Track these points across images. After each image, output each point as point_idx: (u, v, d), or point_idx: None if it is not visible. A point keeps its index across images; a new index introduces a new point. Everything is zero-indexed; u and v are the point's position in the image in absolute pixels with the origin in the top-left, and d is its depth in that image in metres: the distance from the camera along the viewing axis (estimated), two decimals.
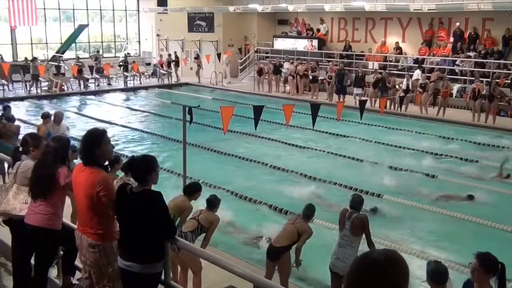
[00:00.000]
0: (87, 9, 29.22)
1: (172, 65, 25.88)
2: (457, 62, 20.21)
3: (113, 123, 16.54)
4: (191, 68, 27.16)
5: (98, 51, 27.70)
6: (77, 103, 21.36)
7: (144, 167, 4.04)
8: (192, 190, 6.25)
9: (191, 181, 6.62)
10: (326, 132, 15.10)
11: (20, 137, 7.65)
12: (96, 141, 4.23)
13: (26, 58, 23.77)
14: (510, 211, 9.49)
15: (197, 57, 26.13)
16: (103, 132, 4.35)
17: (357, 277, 1.83)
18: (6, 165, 6.92)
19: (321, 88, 21.40)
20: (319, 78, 21.19)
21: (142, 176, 4.01)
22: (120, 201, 4.05)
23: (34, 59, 22.54)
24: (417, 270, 7.03)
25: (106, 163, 4.60)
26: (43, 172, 4.58)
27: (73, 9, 28.91)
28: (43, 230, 4.66)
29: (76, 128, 15.95)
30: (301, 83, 22.04)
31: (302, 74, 21.71)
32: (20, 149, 5.34)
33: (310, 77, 21.40)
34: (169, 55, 26.45)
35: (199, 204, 6.47)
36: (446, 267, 4.34)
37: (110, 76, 25.32)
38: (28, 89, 22.07)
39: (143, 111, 19.44)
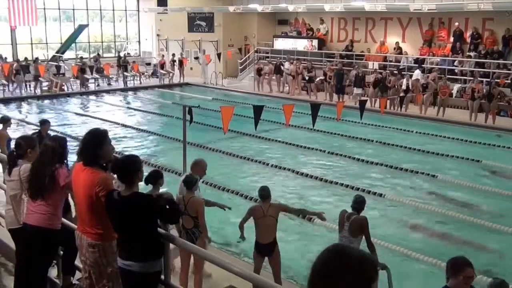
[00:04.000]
0: (87, 9, 29.25)
1: (175, 65, 25.88)
2: (456, 63, 20.23)
3: (113, 123, 16.53)
4: (191, 68, 27.18)
5: (98, 54, 27.66)
6: (77, 103, 21.37)
7: (130, 167, 4.02)
8: (153, 179, 5.60)
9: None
10: (326, 132, 15.10)
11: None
12: (98, 141, 4.23)
13: (26, 58, 23.77)
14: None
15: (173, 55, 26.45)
16: (105, 133, 4.35)
17: (317, 265, 1.82)
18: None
19: (321, 88, 21.40)
20: (318, 78, 21.16)
21: (128, 177, 3.98)
22: (109, 207, 4.00)
23: (36, 59, 22.58)
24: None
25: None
26: (42, 172, 4.56)
27: (73, 9, 28.94)
28: (43, 230, 4.64)
29: (76, 128, 15.99)
30: (300, 83, 22.04)
31: (300, 73, 21.72)
32: (15, 153, 5.21)
33: (306, 77, 21.40)
34: (173, 54, 26.41)
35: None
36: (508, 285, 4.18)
37: (110, 76, 25.34)
38: (33, 88, 22.09)
39: (143, 111, 19.44)
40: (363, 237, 5.84)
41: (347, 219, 5.86)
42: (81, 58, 25.49)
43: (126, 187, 3.99)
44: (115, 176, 4.17)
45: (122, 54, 28.22)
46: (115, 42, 31.38)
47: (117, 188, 4.16)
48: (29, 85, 22.49)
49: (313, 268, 1.83)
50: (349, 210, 6.01)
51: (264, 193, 6.17)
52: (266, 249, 6.08)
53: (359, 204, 5.96)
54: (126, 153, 12.02)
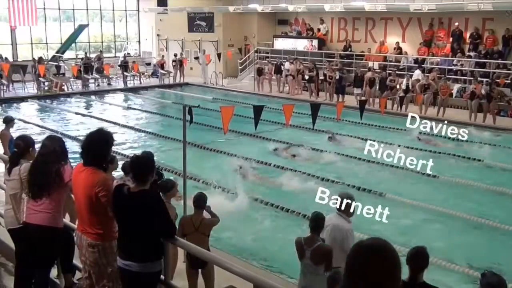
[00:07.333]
0: (87, 9, 29.24)
1: (176, 65, 25.80)
2: (454, 62, 20.22)
3: (113, 123, 16.52)
4: (191, 68, 27.17)
5: (101, 51, 27.70)
6: (77, 103, 21.36)
7: (147, 166, 4.05)
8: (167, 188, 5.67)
9: (167, 179, 5.97)
10: (325, 132, 15.10)
11: None
12: (109, 143, 4.27)
13: (33, 59, 23.62)
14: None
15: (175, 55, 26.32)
16: (111, 133, 4.38)
17: (354, 264, 1.93)
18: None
19: (321, 88, 21.38)
20: (320, 78, 21.14)
21: (143, 175, 4.01)
22: (117, 201, 4.03)
23: (33, 59, 22.62)
24: None
25: None
26: (47, 169, 4.57)
27: (73, 9, 28.93)
28: (48, 229, 4.63)
29: (76, 128, 15.99)
30: (300, 83, 22.04)
31: (301, 73, 21.71)
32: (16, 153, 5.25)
33: (307, 77, 21.38)
34: (175, 55, 26.27)
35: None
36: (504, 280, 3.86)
37: (110, 76, 25.33)
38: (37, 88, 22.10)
39: (143, 111, 19.44)
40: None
41: (308, 246, 5.04)
42: (86, 57, 25.35)
43: (138, 184, 4.00)
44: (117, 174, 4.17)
45: (122, 54, 28.17)
46: (115, 42, 31.38)
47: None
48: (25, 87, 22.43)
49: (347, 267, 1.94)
50: (305, 234, 5.26)
51: (201, 202, 5.47)
52: (199, 261, 5.31)
53: (318, 222, 5.14)
54: (125, 153, 12.03)
